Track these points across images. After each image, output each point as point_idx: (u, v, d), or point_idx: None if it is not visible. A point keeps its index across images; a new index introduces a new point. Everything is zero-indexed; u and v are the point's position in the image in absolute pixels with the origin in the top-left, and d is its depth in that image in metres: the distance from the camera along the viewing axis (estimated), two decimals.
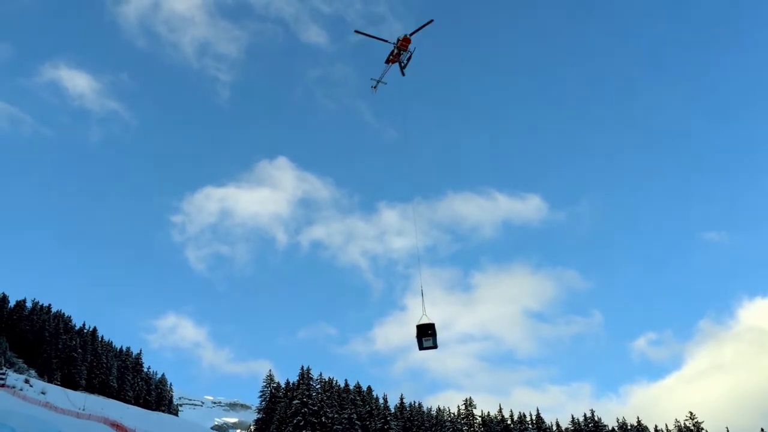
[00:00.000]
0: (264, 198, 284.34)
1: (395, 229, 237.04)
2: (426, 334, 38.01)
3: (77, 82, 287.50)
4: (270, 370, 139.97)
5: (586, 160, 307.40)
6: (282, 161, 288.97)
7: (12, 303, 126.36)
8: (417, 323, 38.17)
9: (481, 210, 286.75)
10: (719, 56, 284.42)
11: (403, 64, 50.37)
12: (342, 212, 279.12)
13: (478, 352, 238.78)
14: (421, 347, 38.40)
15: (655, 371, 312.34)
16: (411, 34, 49.29)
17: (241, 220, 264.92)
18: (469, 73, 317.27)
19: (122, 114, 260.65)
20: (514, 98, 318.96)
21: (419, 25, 50.42)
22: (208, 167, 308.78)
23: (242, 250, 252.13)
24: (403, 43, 50.09)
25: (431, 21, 48.42)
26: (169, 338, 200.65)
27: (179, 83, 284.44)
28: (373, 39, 49.01)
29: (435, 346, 38.21)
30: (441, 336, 37.92)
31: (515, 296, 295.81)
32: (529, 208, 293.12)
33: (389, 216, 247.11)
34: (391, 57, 50.59)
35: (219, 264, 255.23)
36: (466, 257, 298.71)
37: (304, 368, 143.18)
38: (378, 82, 52.17)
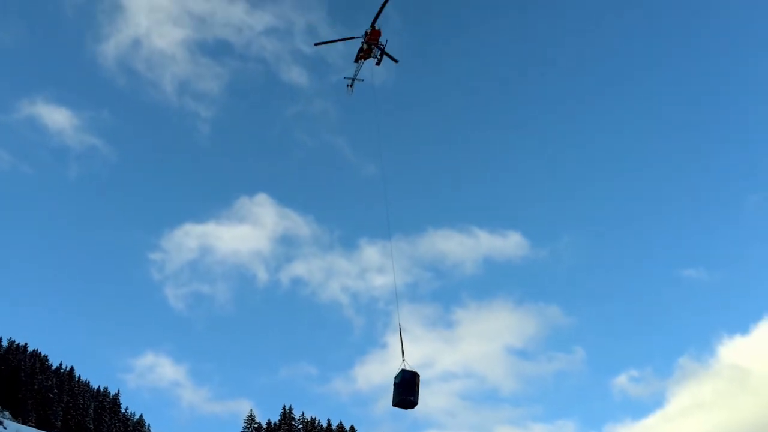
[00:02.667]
0: (244, 235, 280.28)
1: (376, 266, 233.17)
2: (409, 389, 31.93)
3: (56, 118, 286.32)
4: (251, 410, 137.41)
5: (565, 196, 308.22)
6: (262, 197, 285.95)
7: None
8: (398, 372, 31.94)
9: (462, 247, 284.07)
10: (710, 90, 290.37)
11: (377, 59, 50.35)
12: (323, 249, 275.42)
13: (461, 391, 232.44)
14: (397, 403, 32.33)
15: (637, 409, 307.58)
16: (374, 22, 48.24)
17: (221, 258, 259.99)
18: (449, 107, 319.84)
19: (102, 150, 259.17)
20: (495, 135, 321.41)
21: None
22: (188, 204, 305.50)
23: (222, 288, 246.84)
24: (372, 37, 49.34)
25: (386, 1, 47.30)
26: (147, 377, 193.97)
27: (159, 120, 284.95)
28: (338, 42, 48.47)
29: (415, 404, 32.42)
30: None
31: (497, 333, 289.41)
32: (510, 244, 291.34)
33: (370, 253, 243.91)
34: (361, 54, 50.09)
35: (198, 302, 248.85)
36: (447, 294, 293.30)
37: (286, 408, 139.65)
38: (353, 80, 51.44)
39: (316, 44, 46.11)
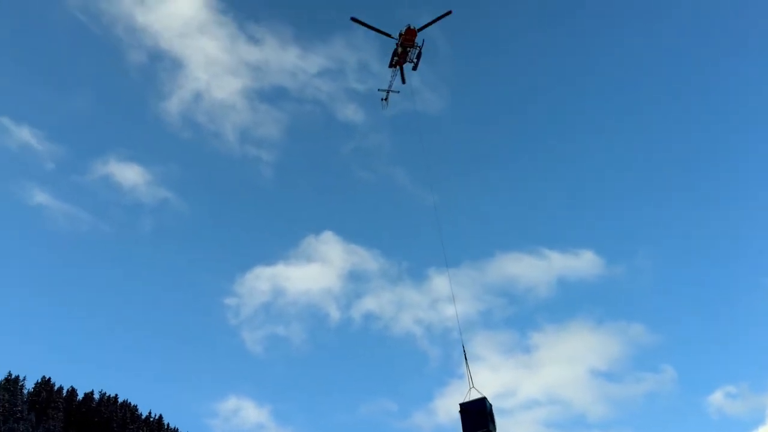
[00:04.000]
0: (314, 274, 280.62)
1: (447, 295, 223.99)
2: (481, 417, 27.89)
3: (128, 175, 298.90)
4: None
5: (637, 209, 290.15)
6: (328, 235, 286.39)
7: (81, 395, 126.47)
8: (462, 401, 28.73)
9: (533, 269, 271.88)
10: None
11: (414, 63, 45.77)
12: (392, 282, 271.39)
13: (546, 418, 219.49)
14: None
15: (736, 427, 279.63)
16: (421, 29, 43.99)
17: (293, 298, 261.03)
18: (505, 128, 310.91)
19: (173, 202, 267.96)
20: (557, 152, 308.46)
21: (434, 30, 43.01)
22: (257, 247, 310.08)
23: (297, 328, 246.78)
24: (407, 38, 44.84)
25: (449, 12, 42.85)
26: (232, 421, 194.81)
27: (224, 168, 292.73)
28: (374, 30, 44.35)
29: (488, 430, 28.19)
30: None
31: (579, 355, 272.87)
32: (584, 263, 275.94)
33: (439, 282, 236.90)
34: (395, 59, 45.83)
35: (275, 344, 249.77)
36: (522, 319, 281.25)
37: None
38: (388, 92, 47.12)
39: (352, 18, 41.89)
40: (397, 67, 45.43)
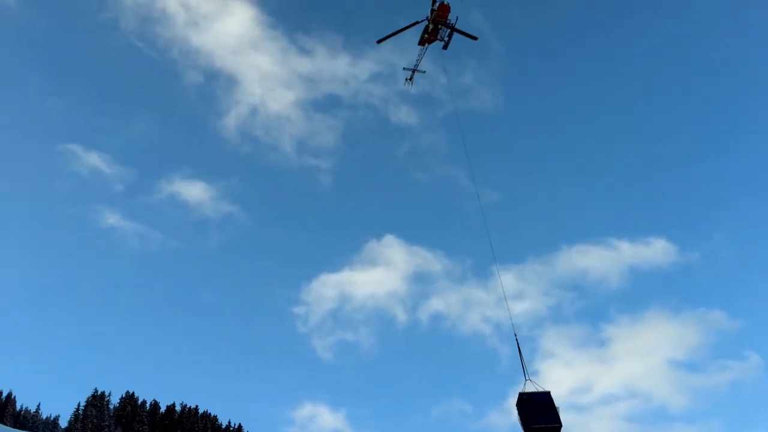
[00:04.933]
0: (378, 278, 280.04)
1: (514, 292, 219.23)
2: (549, 413, 25.87)
3: (194, 192, 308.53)
4: None
5: (708, 191, 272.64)
6: (389, 239, 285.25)
7: (163, 408, 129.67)
8: (521, 393, 26.57)
9: (603, 260, 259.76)
10: None
11: (444, 42, 43.39)
12: (457, 282, 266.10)
13: (626, 413, 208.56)
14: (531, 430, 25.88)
15: None
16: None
17: (360, 303, 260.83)
18: (562, 121, 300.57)
19: (237, 216, 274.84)
20: (620, 140, 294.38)
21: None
22: (321, 254, 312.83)
23: (365, 333, 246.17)
24: (440, 14, 41.91)
25: (475, 38, 41.78)
26: (309, 427, 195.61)
27: (284, 179, 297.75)
28: (402, 31, 42.15)
29: (559, 426, 26.22)
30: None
31: (656, 346, 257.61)
32: (656, 251, 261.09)
33: (505, 279, 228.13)
34: (426, 35, 43.35)
35: (344, 350, 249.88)
36: (594, 311, 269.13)
37: None
38: (413, 71, 44.72)
39: (378, 41, 41.13)
40: (426, 45, 42.93)
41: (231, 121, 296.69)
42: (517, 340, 29.54)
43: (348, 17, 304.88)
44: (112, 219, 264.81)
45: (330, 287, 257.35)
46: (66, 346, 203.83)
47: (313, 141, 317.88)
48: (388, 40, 41.34)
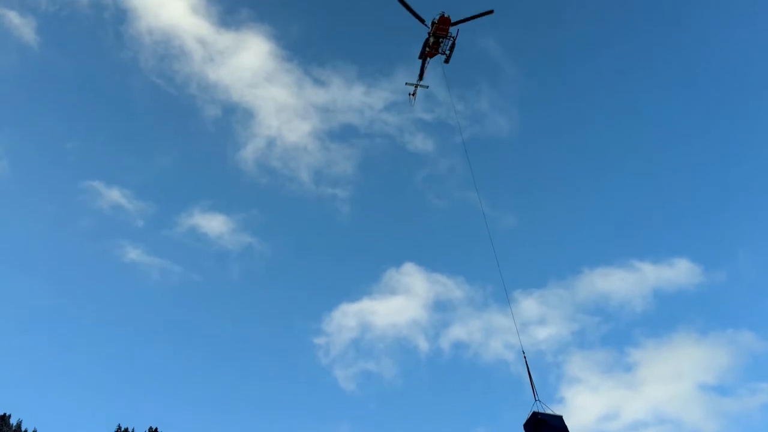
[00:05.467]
0: (399, 306, 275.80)
1: (536, 318, 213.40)
2: None
3: (213, 225, 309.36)
4: None
5: (733, 209, 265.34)
6: (409, 266, 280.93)
7: None
8: (530, 416, 24.99)
9: (626, 283, 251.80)
10: None
11: (446, 56, 41.88)
12: (478, 308, 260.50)
13: None
14: None
15: None
16: (456, 23, 40.07)
17: (381, 333, 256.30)
18: (578, 141, 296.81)
19: (257, 247, 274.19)
20: (639, 159, 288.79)
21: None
22: (341, 284, 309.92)
23: (387, 363, 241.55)
24: (440, 27, 40.33)
25: (491, 11, 39.42)
26: None
27: (302, 209, 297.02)
28: (410, 13, 39.95)
29: None
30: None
31: (685, 370, 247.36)
32: (679, 272, 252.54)
33: (528, 305, 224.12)
34: (427, 49, 41.89)
35: (367, 380, 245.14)
36: (619, 336, 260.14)
37: None
38: (416, 86, 42.98)
39: None
40: (428, 58, 41.43)
41: (249, 153, 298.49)
42: (525, 360, 27.64)
43: (361, 47, 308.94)
44: (134, 254, 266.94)
45: (351, 317, 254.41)
46: (89, 380, 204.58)
47: (330, 170, 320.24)
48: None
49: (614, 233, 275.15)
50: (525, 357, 26.66)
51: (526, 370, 26.18)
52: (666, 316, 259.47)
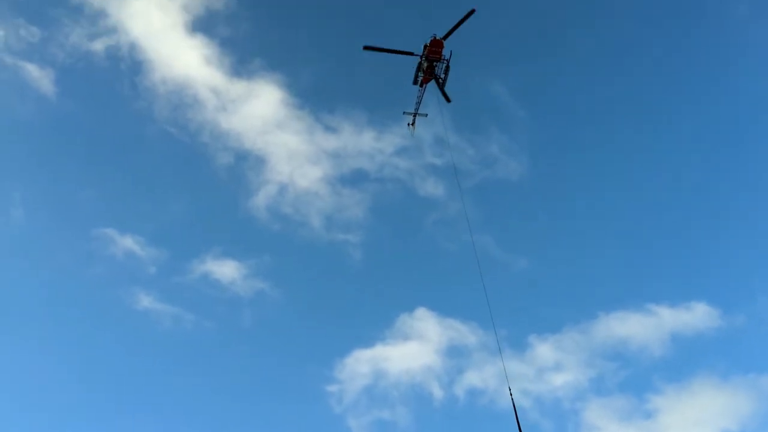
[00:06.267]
0: (412, 352, 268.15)
1: (552, 364, 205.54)
2: None
3: (225, 271, 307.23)
4: None
5: (750, 252, 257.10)
6: (422, 312, 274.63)
7: None
8: None
9: (643, 327, 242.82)
10: None
11: (441, 80, 40.49)
12: (492, 354, 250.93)
13: None
14: None
15: None
16: (446, 36, 38.62)
17: (394, 380, 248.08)
18: (588, 187, 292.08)
19: (269, 293, 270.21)
20: (643, 199, 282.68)
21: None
22: (354, 330, 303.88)
23: (402, 411, 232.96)
24: (433, 50, 38.62)
25: (473, 11, 37.44)
26: None
27: (314, 254, 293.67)
28: (392, 53, 38.60)
29: None
30: None
31: (706, 416, 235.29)
32: (697, 316, 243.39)
33: (543, 350, 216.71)
34: (422, 75, 40.42)
35: (382, 429, 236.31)
36: (637, 382, 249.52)
37: None
38: (414, 116, 41.22)
39: (365, 47, 37.71)
40: (424, 85, 40.09)
41: (261, 199, 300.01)
42: (512, 396, 26.67)
43: (371, 93, 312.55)
44: (146, 301, 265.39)
45: (363, 363, 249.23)
46: (102, 428, 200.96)
47: (341, 216, 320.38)
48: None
49: (629, 276, 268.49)
50: (512, 395, 25.14)
51: (513, 409, 24.70)
52: (685, 360, 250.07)
